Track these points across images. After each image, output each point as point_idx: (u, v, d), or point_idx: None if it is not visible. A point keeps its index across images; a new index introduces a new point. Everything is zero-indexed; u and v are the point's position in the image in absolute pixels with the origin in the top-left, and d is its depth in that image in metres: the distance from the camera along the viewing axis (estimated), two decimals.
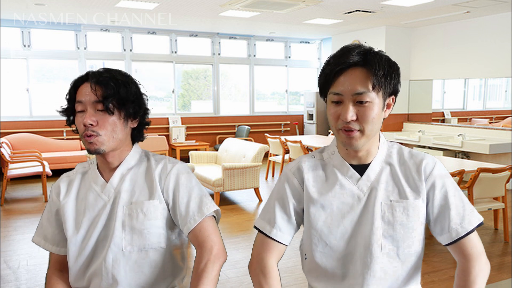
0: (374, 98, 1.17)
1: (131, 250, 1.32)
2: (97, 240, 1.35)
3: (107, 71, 1.35)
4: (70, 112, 1.35)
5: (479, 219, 1.24)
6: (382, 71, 1.17)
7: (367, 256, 1.21)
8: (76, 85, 1.34)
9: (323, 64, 1.24)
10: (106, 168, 1.39)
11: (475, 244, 1.23)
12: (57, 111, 1.39)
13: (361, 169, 1.27)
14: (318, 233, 1.26)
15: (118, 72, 1.36)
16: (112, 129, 1.31)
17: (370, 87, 1.16)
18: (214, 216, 1.37)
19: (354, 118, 1.17)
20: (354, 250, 1.24)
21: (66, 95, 1.35)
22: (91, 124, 1.28)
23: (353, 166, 1.27)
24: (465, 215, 1.23)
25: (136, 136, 1.43)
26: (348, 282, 1.25)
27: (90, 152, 1.32)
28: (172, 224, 1.39)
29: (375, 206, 1.22)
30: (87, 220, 1.36)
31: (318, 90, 1.27)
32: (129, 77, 1.37)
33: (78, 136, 7.64)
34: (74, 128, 1.38)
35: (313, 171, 1.31)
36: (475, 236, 1.23)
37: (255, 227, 1.35)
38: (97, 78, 1.30)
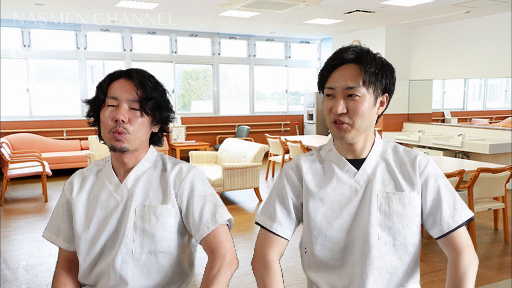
0: (365, 94, 1.23)
1: (141, 252, 1.32)
2: (107, 240, 1.34)
3: (146, 72, 1.36)
4: (99, 104, 1.33)
5: (470, 213, 1.30)
6: (374, 68, 1.23)
7: (365, 246, 1.25)
8: (111, 79, 1.33)
9: (323, 64, 1.30)
10: (121, 168, 1.39)
11: (465, 238, 1.28)
12: (82, 100, 1.38)
13: (357, 163, 1.32)
14: (317, 226, 1.30)
15: (153, 76, 1.38)
16: (139, 129, 1.31)
17: (361, 83, 1.22)
18: (227, 224, 1.37)
19: (345, 111, 1.23)
20: (352, 241, 1.28)
21: (99, 86, 1.35)
22: (123, 121, 1.28)
23: (349, 161, 1.32)
24: (456, 209, 1.29)
25: (156, 141, 1.44)
26: (348, 272, 1.28)
27: (114, 149, 1.31)
28: (183, 229, 1.38)
29: (372, 198, 1.27)
30: (97, 218, 1.35)
31: (317, 90, 1.32)
32: (162, 84, 1.39)
33: (77, 136, 7.70)
34: (90, 121, 1.37)
35: (311, 166, 1.35)
36: (464, 230, 1.29)
37: (256, 222, 1.38)
38: (140, 78, 1.31)
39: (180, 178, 1.37)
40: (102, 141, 1.37)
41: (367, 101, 1.23)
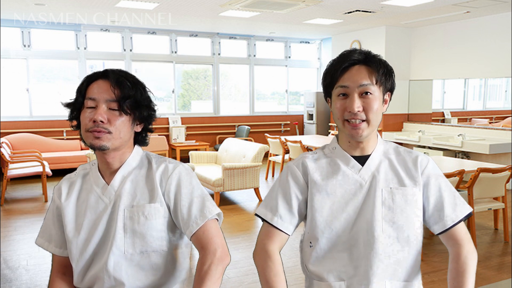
0: (376, 91, 1.29)
1: (133, 253, 1.32)
2: (98, 243, 1.34)
3: (123, 72, 1.35)
4: (78, 106, 1.33)
5: (469, 208, 1.37)
6: (382, 69, 1.31)
7: (369, 239, 1.29)
8: (89, 80, 1.33)
9: (324, 67, 1.35)
10: (106, 170, 1.38)
11: (465, 232, 1.34)
12: (62, 103, 1.37)
13: (362, 160, 1.36)
14: (324, 219, 1.33)
15: (132, 75, 1.37)
16: (120, 129, 1.31)
17: (374, 81, 1.29)
18: (216, 219, 1.37)
19: (361, 109, 1.28)
20: (357, 234, 1.31)
21: (78, 88, 1.34)
22: (102, 121, 1.27)
23: (354, 158, 1.37)
24: (457, 205, 1.35)
25: (140, 141, 1.43)
26: (352, 264, 1.31)
27: (93, 147, 1.30)
28: (173, 226, 1.38)
29: (376, 192, 1.32)
30: (87, 222, 1.35)
31: (318, 91, 1.34)
32: (142, 82, 1.38)
33: (77, 136, 7.68)
34: (74, 124, 1.37)
35: (316, 162, 1.39)
36: (463, 225, 1.35)
37: (256, 214, 1.40)
38: (116, 78, 1.30)
39: (166, 176, 1.36)
40: (85, 143, 1.36)
41: (378, 99, 1.30)
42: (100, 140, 1.28)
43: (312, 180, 1.35)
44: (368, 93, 1.28)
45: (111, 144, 1.30)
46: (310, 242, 1.37)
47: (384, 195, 1.31)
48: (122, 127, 1.31)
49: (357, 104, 1.27)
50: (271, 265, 1.30)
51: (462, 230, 1.33)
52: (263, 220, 1.38)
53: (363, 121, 1.28)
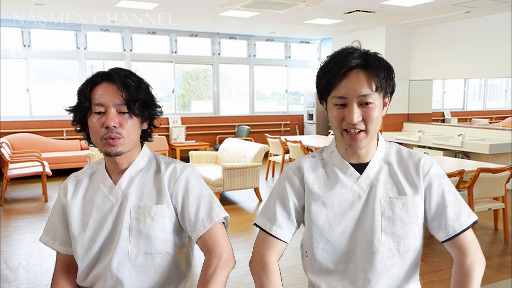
0: (376, 99, 1.21)
1: (137, 254, 1.32)
2: (103, 242, 1.34)
3: (125, 71, 1.33)
4: (84, 111, 1.31)
5: (474, 217, 1.31)
6: (383, 73, 1.21)
7: (368, 252, 1.24)
8: (93, 84, 1.30)
9: (324, 69, 1.25)
10: (114, 169, 1.38)
11: (471, 240, 1.28)
12: (65, 109, 1.35)
13: (360, 167, 1.30)
14: (319, 230, 1.28)
15: (134, 74, 1.34)
16: (131, 131, 1.30)
17: (374, 89, 1.20)
18: (223, 222, 1.36)
19: (360, 119, 1.20)
20: (355, 247, 1.26)
21: (80, 92, 1.31)
22: (115, 126, 1.26)
23: (352, 165, 1.30)
24: (461, 213, 1.28)
25: (146, 137, 1.42)
26: (349, 277, 1.27)
27: (109, 154, 1.30)
28: (179, 229, 1.38)
29: (375, 203, 1.26)
30: (93, 221, 1.35)
31: (316, 92, 1.28)
32: (144, 80, 1.36)
33: (78, 136, 7.70)
34: (77, 128, 1.35)
35: (313, 170, 1.33)
36: (470, 232, 1.29)
37: (255, 224, 1.36)
38: (122, 81, 1.28)
39: (174, 178, 1.36)
40: (92, 145, 1.35)
41: (378, 106, 1.22)
42: (115, 147, 1.28)
43: (308, 189, 1.31)
44: (368, 103, 1.19)
45: (124, 148, 1.31)
46: (306, 252, 1.34)
47: (383, 205, 1.25)
48: (132, 129, 1.31)
49: (357, 115, 1.19)
50: (270, 276, 1.26)
51: (468, 239, 1.26)
52: (261, 229, 1.34)
53: (361, 131, 1.21)
